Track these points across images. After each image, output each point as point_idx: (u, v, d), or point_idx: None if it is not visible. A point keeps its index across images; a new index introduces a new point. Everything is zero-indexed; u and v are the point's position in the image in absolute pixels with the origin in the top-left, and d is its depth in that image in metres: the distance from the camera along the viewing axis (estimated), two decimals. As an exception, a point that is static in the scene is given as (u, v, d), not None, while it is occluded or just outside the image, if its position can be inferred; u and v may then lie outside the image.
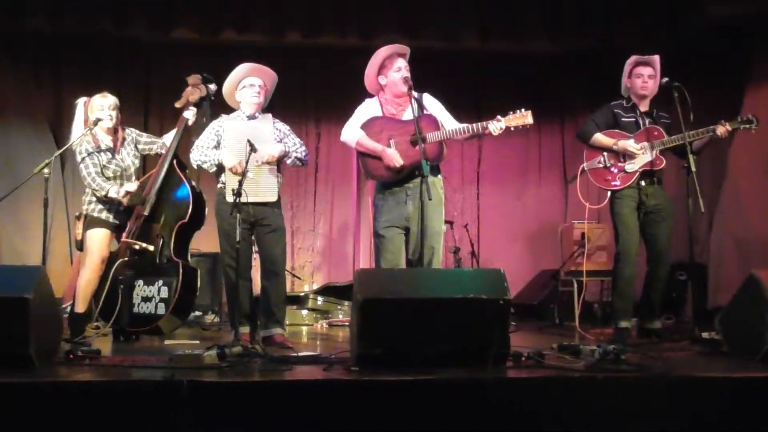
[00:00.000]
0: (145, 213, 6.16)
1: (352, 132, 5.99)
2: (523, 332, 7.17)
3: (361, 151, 5.97)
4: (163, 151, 6.43)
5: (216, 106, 6.55)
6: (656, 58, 6.41)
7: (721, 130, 6.19)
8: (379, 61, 6.01)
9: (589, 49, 9.37)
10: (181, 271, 6.10)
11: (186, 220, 6.20)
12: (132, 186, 6.13)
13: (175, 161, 6.35)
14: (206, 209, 6.41)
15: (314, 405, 3.83)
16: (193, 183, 6.37)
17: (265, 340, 5.87)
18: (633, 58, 6.46)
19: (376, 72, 6.04)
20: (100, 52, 9.48)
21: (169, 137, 6.47)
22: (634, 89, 6.44)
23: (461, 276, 5.09)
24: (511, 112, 5.69)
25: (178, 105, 6.53)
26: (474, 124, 5.74)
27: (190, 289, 6.22)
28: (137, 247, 6.13)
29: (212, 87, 6.56)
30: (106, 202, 6.12)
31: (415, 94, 5.91)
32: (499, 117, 5.70)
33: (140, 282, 6.19)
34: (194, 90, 6.52)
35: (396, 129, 5.86)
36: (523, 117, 5.67)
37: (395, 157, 5.76)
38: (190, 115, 6.42)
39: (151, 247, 6.14)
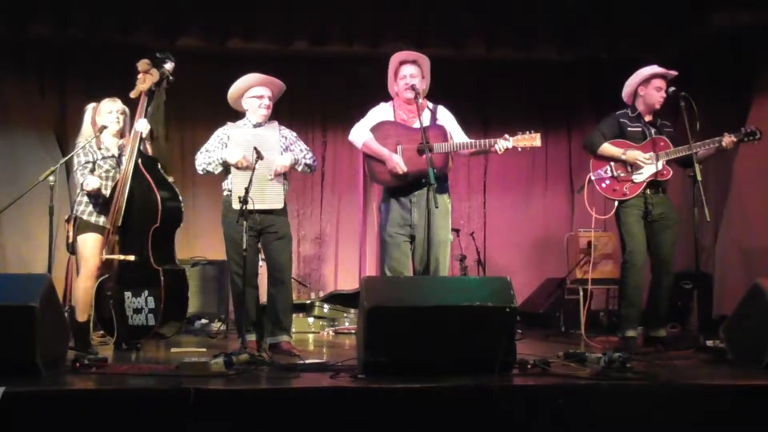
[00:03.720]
0: (119, 224, 6.03)
1: (360, 133, 6.03)
2: (529, 340, 7.15)
3: (366, 153, 6.00)
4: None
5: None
6: (673, 73, 6.41)
7: (727, 141, 6.19)
8: (392, 70, 6.08)
9: (594, 58, 9.37)
10: (162, 278, 5.96)
11: (158, 224, 6.03)
12: (94, 181, 5.98)
13: (140, 160, 6.10)
14: (181, 204, 6.25)
15: (321, 413, 3.85)
16: (164, 178, 6.20)
17: (271, 347, 5.89)
18: (654, 70, 6.39)
19: (391, 78, 6.11)
20: (105, 60, 9.42)
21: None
22: (650, 100, 6.40)
23: (468, 284, 5.09)
24: (520, 133, 5.74)
25: (132, 95, 6.30)
26: (481, 140, 5.82)
27: (176, 293, 6.13)
28: (119, 259, 6.02)
29: (167, 66, 6.34)
30: (96, 204, 6.06)
31: (430, 104, 5.95)
32: (506, 136, 5.75)
33: (128, 294, 6.07)
34: (145, 77, 6.28)
35: (404, 136, 5.88)
36: (532, 139, 5.71)
37: (399, 164, 5.79)
38: (141, 126, 6.13)
39: (132, 257, 5.99)
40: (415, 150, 5.80)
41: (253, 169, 5.77)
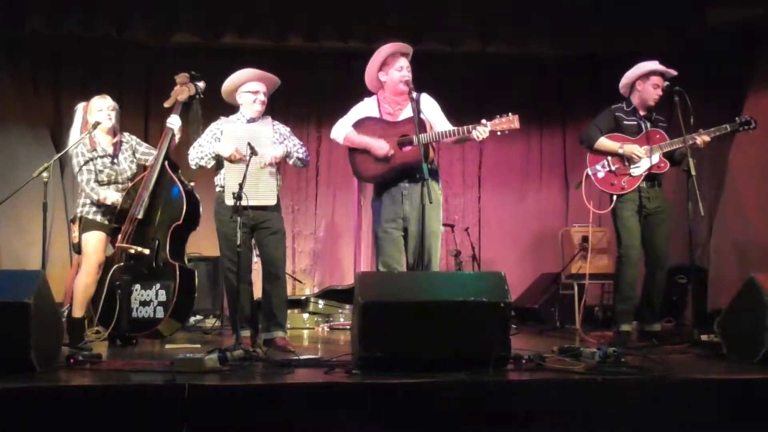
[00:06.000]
0: (139, 216, 6.08)
1: (342, 129, 6.02)
2: (523, 335, 7.17)
3: (349, 146, 5.99)
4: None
5: (206, 103, 6.50)
6: (673, 72, 6.41)
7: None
8: (382, 58, 5.99)
9: (590, 53, 9.38)
10: (177, 273, 6.03)
11: (180, 221, 6.11)
12: (115, 196, 6.06)
13: (166, 162, 6.25)
14: (200, 209, 6.34)
15: (316, 408, 3.85)
16: (186, 183, 6.30)
17: (266, 343, 5.88)
18: (654, 66, 6.43)
19: (377, 68, 6.03)
20: (100, 56, 9.46)
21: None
22: (646, 96, 6.42)
23: (462, 279, 5.10)
24: (498, 116, 5.61)
25: (167, 105, 6.46)
26: (460, 128, 5.70)
27: (188, 292, 6.16)
28: (132, 251, 6.05)
29: (201, 85, 6.47)
30: (101, 204, 6.09)
31: (414, 94, 5.90)
32: (484, 121, 5.63)
33: (137, 286, 6.13)
34: (182, 89, 6.43)
35: (385, 130, 5.86)
36: (510, 122, 5.57)
37: (382, 145, 5.77)
38: (174, 124, 6.32)
39: (147, 251, 6.06)
40: (396, 144, 5.79)
41: (247, 164, 5.77)
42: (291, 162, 6.25)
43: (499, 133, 5.62)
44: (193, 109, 6.47)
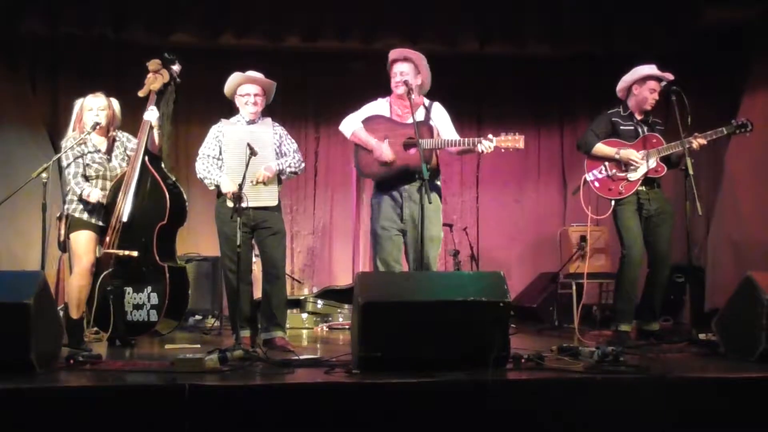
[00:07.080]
0: (124, 219, 6.02)
1: (351, 123, 6.08)
2: (522, 335, 7.17)
3: (355, 143, 6.04)
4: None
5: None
6: (670, 77, 6.42)
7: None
8: (389, 64, 6.09)
9: (588, 53, 9.38)
10: (167, 274, 6.01)
11: (165, 221, 6.07)
12: (98, 195, 5.98)
13: (146, 158, 6.16)
14: (186, 204, 6.29)
15: (316, 408, 3.86)
16: (170, 176, 6.26)
17: (266, 343, 5.88)
18: (651, 71, 6.43)
19: (389, 73, 6.11)
20: (97, 56, 9.42)
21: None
22: (642, 100, 6.44)
23: (461, 279, 5.11)
24: (504, 134, 5.68)
25: (141, 94, 6.35)
26: (466, 139, 5.78)
27: (180, 290, 6.16)
28: (121, 254, 6.01)
29: (176, 68, 6.37)
30: (87, 202, 6.03)
31: (426, 101, 5.95)
32: (490, 136, 5.69)
33: (129, 290, 6.10)
34: (155, 77, 6.33)
35: (393, 130, 5.92)
36: (516, 141, 5.65)
37: (386, 152, 5.82)
38: (151, 116, 6.21)
39: (135, 253, 6.00)
40: (401, 145, 5.83)
41: (246, 164, 5.78)
42: (284, 178, 6.26)
43: (503, 149, 5.71)
44: (166, 96, 6.35)
